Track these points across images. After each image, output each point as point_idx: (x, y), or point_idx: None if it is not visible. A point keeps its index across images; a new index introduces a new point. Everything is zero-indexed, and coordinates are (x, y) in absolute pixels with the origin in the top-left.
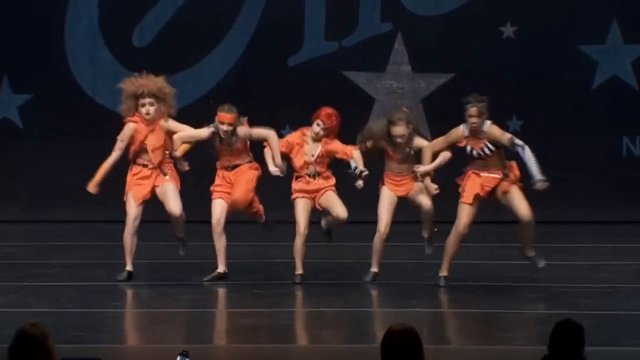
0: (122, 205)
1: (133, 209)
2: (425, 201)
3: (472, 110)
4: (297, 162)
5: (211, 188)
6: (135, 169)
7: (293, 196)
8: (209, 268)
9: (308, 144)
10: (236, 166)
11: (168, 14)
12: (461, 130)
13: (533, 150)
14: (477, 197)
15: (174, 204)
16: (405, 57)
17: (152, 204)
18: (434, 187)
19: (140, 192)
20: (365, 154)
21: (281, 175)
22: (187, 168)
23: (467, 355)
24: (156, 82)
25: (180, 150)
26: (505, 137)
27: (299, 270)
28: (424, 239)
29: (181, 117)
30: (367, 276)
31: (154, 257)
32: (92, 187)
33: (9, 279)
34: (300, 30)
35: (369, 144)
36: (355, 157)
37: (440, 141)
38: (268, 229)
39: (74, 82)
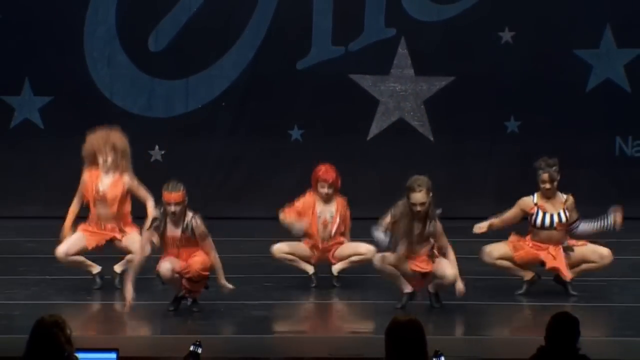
0: (134, 202)
1: (81, 243)
2: (449, 272)
3: (545, 176)
4: (313, 225)
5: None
6: (91, 226)
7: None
8: (226, 262)
9: (319, 207)
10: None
11: (182, 20)
12: (530, 199)
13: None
14: (531, 261)
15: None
16: (408, 60)
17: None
18: (461, 288)
19: (94, 241)
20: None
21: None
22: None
23: (469, 345)
24: (113, 139)
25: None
26: (575, 212)
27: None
28: (429, 294)
29: (195, 119)
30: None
31: None
32: (66, 232)
33: (30, 273)
34: (309, 35)
35: (390, 226)
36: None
37: (509, 213)
38: (193, 307)
39: (92, 84)
